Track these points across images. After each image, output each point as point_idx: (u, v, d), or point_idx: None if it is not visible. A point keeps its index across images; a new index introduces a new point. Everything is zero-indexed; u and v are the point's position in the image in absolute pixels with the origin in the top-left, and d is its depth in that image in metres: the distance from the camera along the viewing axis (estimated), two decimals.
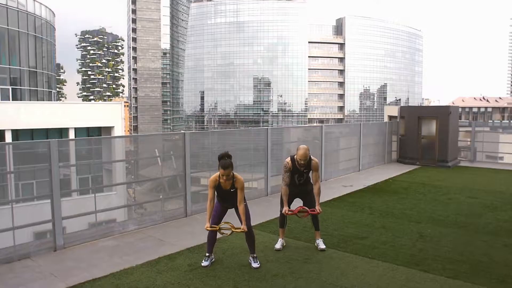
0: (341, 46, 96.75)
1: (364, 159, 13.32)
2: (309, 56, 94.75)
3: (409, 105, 15.02)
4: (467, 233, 6.64)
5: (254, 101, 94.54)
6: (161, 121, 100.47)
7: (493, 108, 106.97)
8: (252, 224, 5.32)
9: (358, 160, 13.03)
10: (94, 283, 4.66)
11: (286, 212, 5.57)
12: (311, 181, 5.83)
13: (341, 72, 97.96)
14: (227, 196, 5.11)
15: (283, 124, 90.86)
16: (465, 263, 5.32)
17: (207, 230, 4.99)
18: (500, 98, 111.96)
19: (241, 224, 5.04)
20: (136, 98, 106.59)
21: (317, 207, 5.67)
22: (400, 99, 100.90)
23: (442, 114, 14.13)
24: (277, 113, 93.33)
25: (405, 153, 15.18)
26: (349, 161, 12.81)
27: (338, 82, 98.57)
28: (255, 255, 5.24)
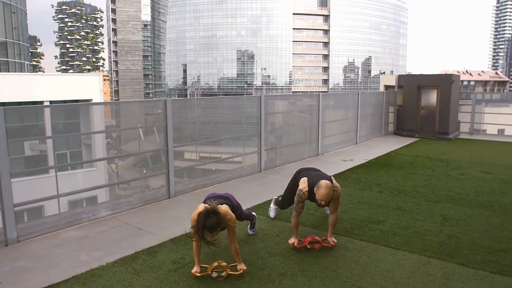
0: (326, 18, 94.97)
1: (361, 131, 12.38)
2: (293, 28, 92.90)
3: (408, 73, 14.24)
4: (496, 214, 5.75)
5: (237, 74, 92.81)
6: (143, 95, 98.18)
7: (475, 81, 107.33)
8: (247, 206, 4.35)
9: (356, 132, 12.07)
10: None
11: (295, 244, 4.47)
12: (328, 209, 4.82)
13: (326, 44, 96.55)
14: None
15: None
16: (508, 253, 4.42)
17: (196, 275, 3.84)
18: (482, 71, 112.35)
19: (238, 263, 3.98)
20: (116, 71, 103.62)
21: (330, 239, 4.57)
22: (384, 72, 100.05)
23: (444, 83, 13.19)
24: (261, 86, 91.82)
25: (403, 125, 14.29)
26: (346, 133, 11.84)
27: (322, 54, 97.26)
28: (254, 222, 4.89)
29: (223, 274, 3.84)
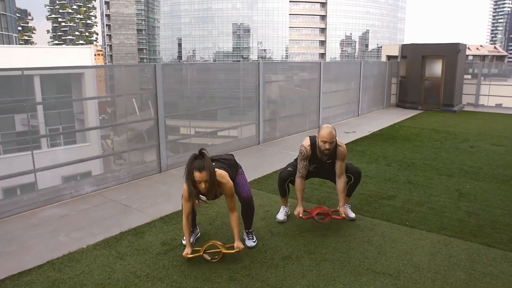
0: None
1: (363, 103, 11.85)
2: (290, 1, 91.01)
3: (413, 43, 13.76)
4: None
5: (233, 48, 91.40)
6: None
7: (474, 55, 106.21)
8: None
9: (358, 103, 11.53)
10: (20, 279, 3.12)
11: (300, 214, 3.91)
12: (335, 173, 4.11)
13: (323, 17, 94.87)
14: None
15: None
16: None
17: (187, 257, 3.33)
18: (481, 46, 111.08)
19: (235, 240, 3.40)
20: (110, 46, 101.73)
21: (342, 210, 3.99)
22: (381, 46, 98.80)
23: (450, 52, 12.58)
24: (257, 61, 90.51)
25: (406, 96, 13.75)
26: (348, 104, 11.30)
27: (319, 28, 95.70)
28: (251, 230, 3.75)
29: (217, 256, 3.37)
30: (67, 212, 4.44)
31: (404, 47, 13.85)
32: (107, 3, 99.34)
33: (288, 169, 4.15)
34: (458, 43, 12.60)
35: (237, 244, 3.34)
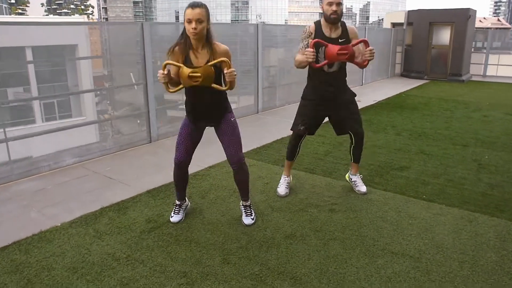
0: None
1: (367, 72, 11.27)
2: None
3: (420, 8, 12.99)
4: None
5: (231, 20, 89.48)
6: None
7: (477, 28, 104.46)
8: (244, 150, 3.28)
9: (361, 72, 10.95)
10: None
11: (310, 49, 3.14)
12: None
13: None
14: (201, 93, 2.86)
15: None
16: None
17: (161, 73, 2.69)
18: (484, 18, 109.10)
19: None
20: (106, 19, 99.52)
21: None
22: (382, 19, 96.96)
23: (460, 18, 11.92)
24: (256, 23, 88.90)
25: (411, 66, 13.16)
26: (350, 72, 10.69)
27: (319, 0, 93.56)
28: (248, 203, 3.24)
29: (199, 73, 2.67)
30: (43, 185, 3.97)
31: (410, 14, 13.16)
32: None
33: (299, 127, 3.57)
34: (469, 8, 11.93)
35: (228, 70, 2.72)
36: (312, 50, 3.15)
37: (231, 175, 3.23)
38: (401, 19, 13.59)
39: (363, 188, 3.75)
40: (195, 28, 2.62)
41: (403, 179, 4.13)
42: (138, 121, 6.56)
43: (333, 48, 3.19)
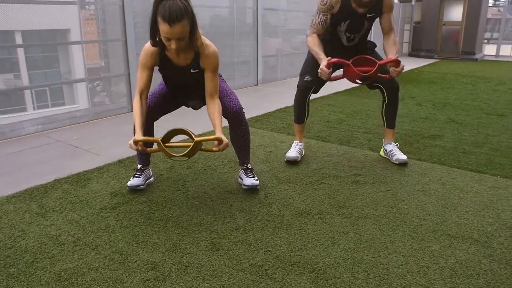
0: None
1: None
2: None
3: None
4: None
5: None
6: None
7: None
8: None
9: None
10: None
11: (326, 68, 2.51)
12: (380, 34, 2.77)
13: None
14: (183, 81, 2.32)
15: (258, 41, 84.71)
16: None
17: (134, 148, 2.07)
18: None
19: (216, 133, 2.12)
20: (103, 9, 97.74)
21: (394, 59, 2.55)
22: None
23: None
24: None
25: (420, 44, 12.32)
26: None
27: None
28: (250, 167, 2.54)
29: (185, 153, 2.02)
30: None
31: None
32: None
33: (306, 78, 2.84)
34: None
35: (218, 136, 2.04)
36: (328, 71, 2.53)
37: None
38: None
39: (402, 156, 2.93)
40: (176, 48, 1.99)
41: (438, 148, 3.34)
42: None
43: (354, 73, 2.56)
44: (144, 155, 2.48)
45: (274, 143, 3.39)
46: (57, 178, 2.64)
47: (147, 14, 1.98)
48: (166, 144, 2.10)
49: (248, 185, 2.40)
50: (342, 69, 2.70)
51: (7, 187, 2.52)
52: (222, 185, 2.54)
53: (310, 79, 2.82)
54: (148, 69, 2.17)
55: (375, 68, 2.52)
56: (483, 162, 3.01)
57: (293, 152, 2.95)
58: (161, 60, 2.18)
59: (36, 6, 4.32)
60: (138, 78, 2.18)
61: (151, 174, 2.57)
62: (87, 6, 4.89)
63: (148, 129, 2.34)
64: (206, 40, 2.14)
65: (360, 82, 2.69)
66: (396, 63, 2.54)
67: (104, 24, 4.93)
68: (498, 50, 12.93)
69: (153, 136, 2.39)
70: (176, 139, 2.16)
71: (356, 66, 2.56)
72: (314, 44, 2.67)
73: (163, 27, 1.90)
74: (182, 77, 2.26)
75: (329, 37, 2.76)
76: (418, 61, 11.03)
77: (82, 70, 4.65)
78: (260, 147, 3.27)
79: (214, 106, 2.18)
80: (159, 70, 2.28)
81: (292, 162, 2.92)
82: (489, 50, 13.26)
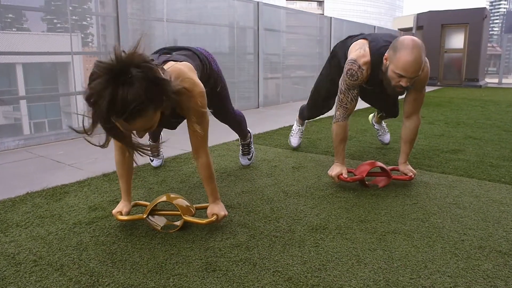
0: None
1: None
2: (286, 0, 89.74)
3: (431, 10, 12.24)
4: None
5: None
6: None
7: None
8: None
9: None
10: None
11: (341, 177, 2.31)
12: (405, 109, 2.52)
13: (320, 3, 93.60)
14: (164, 123, 1.87)
15: (260, 64, 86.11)
16: None
17: (120, 219, 1.78)
18: None
19: (210, 202, 1.85)
20: (105, 46, 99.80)
21: (404, 168, 2.43)
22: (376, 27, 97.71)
23: (475, 19, 11.01)
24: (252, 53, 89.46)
25: None
26: None
27: (317, 1, 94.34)
28: (247, 141, 2.79)
29: (177, 223, 1.78)
30: None
31: (420, 16, 12.26)
32: (102, 3, 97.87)
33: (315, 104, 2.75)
34: (484, 8, 11.04)
35: (212, 210, 1.76)
36: (338, 181, 2.36)
37: (223, 158, 2.45)
38: (410, 23, 12.71)
39: (386, 138, 3.24)
40: (144, 133, 1.51)
41: (462, 161, 2.99)
42: None
43: (362, 172, 2.35)
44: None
45: (278, 158, 3.04)
46: (30, 192, 2.28)
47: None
48: (155, 214, 1.83)
49: (242, 165, 2.78)
50: None
51: None
52: (223, 199, 2.17)
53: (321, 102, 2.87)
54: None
55: (386, 181, 2.40)
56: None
57: (295, 138, 3.29)
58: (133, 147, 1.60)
59: None
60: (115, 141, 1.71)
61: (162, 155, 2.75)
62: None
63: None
64: (185, 81, 1.55)
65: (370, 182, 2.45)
66: (409, 180, 2.42)
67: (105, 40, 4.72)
68: (500, 79, 12.81)
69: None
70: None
71: (367, 174, 2.36)
72: (339, 138, 2.36)
73: (121, 124, 1.38)
74: (162, 123, 1.78)
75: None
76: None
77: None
78: (264, 162, 2.92)
79: (202, 168, 1.75)
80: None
81: (299, 168, 2.62)
82: (490, 79, 13.15)
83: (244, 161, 2.79)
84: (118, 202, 2.06)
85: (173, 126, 2.02)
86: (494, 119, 5.23)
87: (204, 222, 1.74)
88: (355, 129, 4.29)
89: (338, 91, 2.33)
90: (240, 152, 2.81)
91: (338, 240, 1.70)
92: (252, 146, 2.81)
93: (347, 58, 2.28)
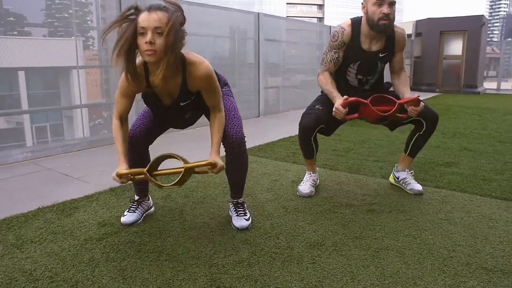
0: None
1: None
2: (287, 3, 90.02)
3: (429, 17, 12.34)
4: None
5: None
6: None
7: None
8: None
9: None
10: None
11: (341, 108, 2.31)
12: (389, 76, 2.67)
13: (320, 19, 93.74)
14: (174, 118, 2.11)
15: (260, 73, 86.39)
16: None
17: (118, 181, 1.85)
18: None
19: (211, 155, 1.91)
20: (106, 49, 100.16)
21: (412, 96, 2.39)
22: None
23: (473, 26, 11.15)
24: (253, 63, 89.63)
25: (421, 78, 12.30)
26: None
27: (317, 17, 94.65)
28: (241, 201, 2.22)
29: (175, 182, 1.80)
30: None
31: (418, 23, 12.40)
32: (103, 6, 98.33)
33: (316, 107, 2.56)
34: (482, 15, 11.18)
35: (213, 158, 1.86)
36: (344, 110, 2.34)
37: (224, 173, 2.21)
38: (409, 30, 12.81)
39: (417, 186, 2.66)
40: (151, 43, 1.61)
41: (456, 175, 3.10)
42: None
43: (372, 113, 2.33)
44: (140, 185, 2.22)
45: (278, 172, 3.15)
46: (41, 207, 2.39)
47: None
48: (154, 173, 1.85)
49: (237, 227, 2.07)
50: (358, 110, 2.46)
51: None
52: (223, 215, 2.28)
53: (319, 112, 2.52)
54: (128, 97, 1.91)
55: (395, 107, 2.32)
56: (508, 189, 2.77)
57: (306, 185, 2.63)
58: (145, 95, 1.95)
59: None
60: (117, 102, 1.92)
61: (151, 204, 2.31)
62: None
63: (143, 159, 2.10)
64: (194, 57, 1.83)
65: (378, 123, 2.46)
66: (417, 102, 2.35)
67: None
68: (499, 84, 12.93)
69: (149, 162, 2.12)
70: (166, 165, 1.90)
71: (374, 105, 2.33)
72: (326, 82, 2.49)
73: (141, 17, 1.62)
74: (172, 115, 2.04)
75: (339, 83, 2.56)
76: (420, 95, 10.91)
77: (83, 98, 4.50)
78: (264, 176, 3.04)
79: (214, 120, 1.95)
80: (144, 100, 2.03)
81: (298, 182, 2.70)
82: (489, 85, 13.27)
83: (240, 222, 2.10)
84: (118, 228, 2.18)
85: (181, 123, 2.14)
86: (490, 128, 5.34)
87: (203, 163, 1.79)
88: (353, 140, 4.40)
89: (324, 52, 2.55)
90: (234, 213, 2.17)
91: (334, 256, 1.80)
92: (247, 209, 2.24)
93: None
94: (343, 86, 2.54)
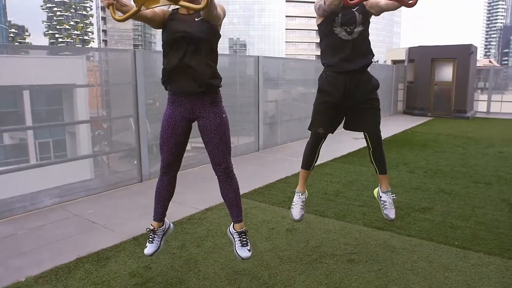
0: None
1: None
2: (286, 16, 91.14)
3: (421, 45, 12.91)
4: None
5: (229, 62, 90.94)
6: None
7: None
8: (244, 191, 2.79)
9: None
10: None
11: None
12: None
13: None
14: (185, 33, 2.32)
15: (259, 85, 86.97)
16: None
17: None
18: (477, 60, 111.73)
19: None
20: (107, 61, 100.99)
21: None
22: (378, 61, 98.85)
23: (462, 54, 11.75)
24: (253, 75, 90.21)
25: (414, 103, 12.87)
26: None
27: (316, 43, 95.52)
28: (243, 229, 2.52)
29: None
30: (14, 231, 3.43)
31: (411, 50, 13.01)
32: (103, 18, 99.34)
33: (318, 131, 3.02)
34: (470, 44, 11.78)
35: None
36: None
37: (227, 219, 2.70)
38: (402, 56, 13.45)
39: (391, 213, 2.99)
40: None
41: (427, 222, 3.61)
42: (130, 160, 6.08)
43: None
44: (158, 208, 2.57)
45: (276, 219, 3.66)
46: (79, 257, 2.90)
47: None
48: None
49: (243, 258, 2.42)
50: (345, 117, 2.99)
51: (33, 266, 2.78)
52: (230, 265, 2.79)
53: (322, 131, 2.98)
54: (156, 14, 2.29)
55: None
56: (468, 237, 3.28)
57: (297, 209, 3.04)
58: (170, 16, 2.36)
59: None
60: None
61: (166, 227, 2.68)
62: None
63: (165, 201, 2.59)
64: None
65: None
66: None
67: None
68: (488, 106, 13.48)
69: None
70: None
71: None
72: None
73: None
74: (185, 26, 2.31)
75: (329, 40, 2.85)
76: (413, 120, 11.50)
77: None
78: (263, 223, 3.55)
79: None
80: (163, 33, 2.35)
81: (292, 231, 3.19)
82: (480, 106, 13.81)
83: (244, 253, 2.43)
84: (150, 269, 2.69)
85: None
86: (470, 165, 5.86)
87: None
88: (342, 182, 4.91)
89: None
90: (238, 243, 2.47)
91: None
92: (248, 237, 2.55)
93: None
94: (335, 43, 2.85)
